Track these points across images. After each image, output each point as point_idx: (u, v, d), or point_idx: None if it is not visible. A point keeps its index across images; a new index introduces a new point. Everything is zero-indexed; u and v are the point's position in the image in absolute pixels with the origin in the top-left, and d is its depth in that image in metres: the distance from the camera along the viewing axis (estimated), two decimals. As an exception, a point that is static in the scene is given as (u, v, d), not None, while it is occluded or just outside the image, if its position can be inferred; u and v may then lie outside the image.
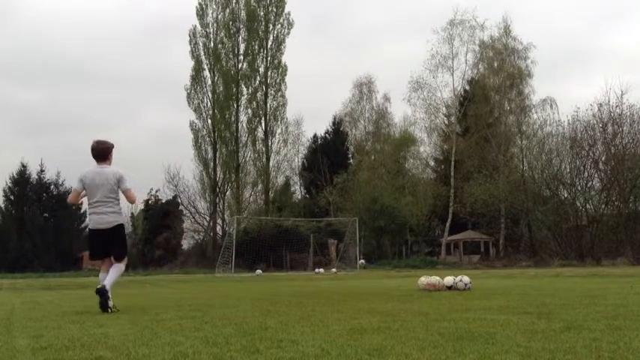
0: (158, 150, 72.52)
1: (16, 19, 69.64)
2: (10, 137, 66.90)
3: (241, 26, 42.93)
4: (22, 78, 70.54)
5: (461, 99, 40.93)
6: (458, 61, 39.79)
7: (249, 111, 42.67)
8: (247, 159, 42.58)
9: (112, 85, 71.52)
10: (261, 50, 42.94)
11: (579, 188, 31.74)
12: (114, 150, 6.38)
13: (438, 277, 8.75)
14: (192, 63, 42.79)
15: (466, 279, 8.44)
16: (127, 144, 75.98)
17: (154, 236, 39.44)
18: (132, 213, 50.32)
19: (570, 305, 5.82)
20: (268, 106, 42.68)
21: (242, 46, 42.97)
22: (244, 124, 42.54)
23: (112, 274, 6.11)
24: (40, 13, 70.83)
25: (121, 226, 6.30)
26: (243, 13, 42.92)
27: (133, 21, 71.42)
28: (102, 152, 6.22)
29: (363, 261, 29.56)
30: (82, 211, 46.83)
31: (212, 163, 42.34)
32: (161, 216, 40.20)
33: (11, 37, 66.64)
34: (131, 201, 6.41)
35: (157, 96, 72.81)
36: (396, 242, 38.72)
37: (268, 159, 42.59)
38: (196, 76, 42.72)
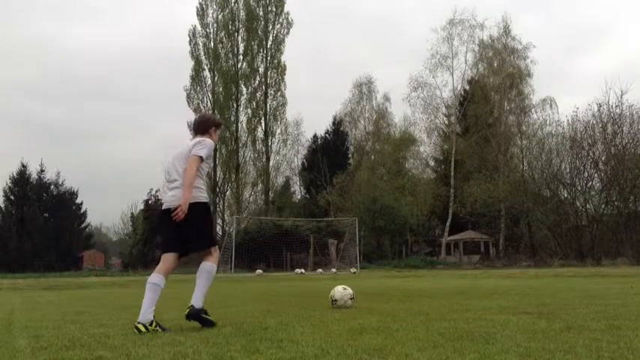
0: (159, 151, 73.12)
1: (49, 51, 75.11)
2: (32, 147, 70.45)
3: (240, 26, 42.92)
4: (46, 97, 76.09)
5: (461, 99, 40.90)
6: (457, 60, 39.82)
7: (249, 111, 42.69)
8: (247, 159, 42.61)
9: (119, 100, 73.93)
10: (261, 50, 42.95)
11: (579, 188, 31.71)
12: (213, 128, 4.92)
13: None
14: (191, 63, 42.81)
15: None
16: (127, 145, 76.63)
17: (154, 236, 39.42)
18: (132, 213, 50.41)
19: (570, 305, 5.82)
20: (268, 106, 42.68)
21: (241, 46, 43.02)
22: (244, 124, 42.58)
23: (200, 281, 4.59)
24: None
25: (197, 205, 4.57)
26: (242, 13, 42.91)
27: (150, 49, 73.51)
28: (196, 125, 4.99)
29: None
30: (81, 210, 46.94)
31: (212, 163, 42.33)
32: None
33: (43, 65, 72.85)
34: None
35: (162, 105, 74.45)
36: (396, 242, 38.69)
37: (268, 159, 42.59)
38: (196, 76, 42.68)
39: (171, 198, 4.58)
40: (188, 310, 4.44)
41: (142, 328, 4.23)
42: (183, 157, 4.64)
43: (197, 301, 4.46)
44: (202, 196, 4.61)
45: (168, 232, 4.60)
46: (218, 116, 41.13)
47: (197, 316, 4.43)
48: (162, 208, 4.67)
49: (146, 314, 4.31)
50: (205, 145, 4.61)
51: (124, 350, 3.43)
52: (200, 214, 4.53)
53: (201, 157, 4.55)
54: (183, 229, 4.47)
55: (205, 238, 4.62)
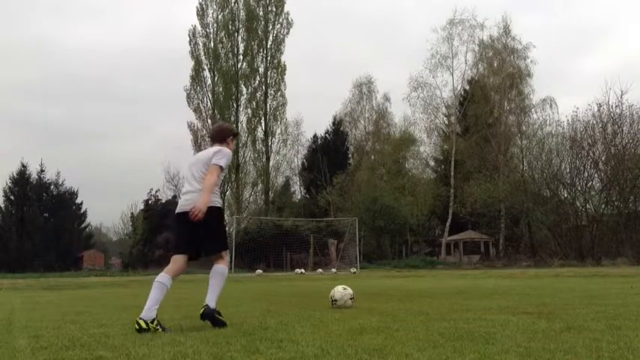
0: (159, 151, 73.20)
1: (49, 51, 75.11)
2: (32, 147, 70.56)
3: (240, 26, 42.90)
4: (48, 98, 75.80)
5: (461, 99, 40.90)
6: (457, 60, 39.81)
7: (249, 111, 42.65)
8: (247, 159, 42.54)
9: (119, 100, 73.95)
10: (261, 50, 42.93)
11: (579, 188, 31.71)
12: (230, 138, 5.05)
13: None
14: (191, 63, 42.77)
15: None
16: (127, 145, 76.66)
17: (154, 236, 39.42)
18: (132, 213, 50.38)
19: (570, 305, 5.82)
20: (268, 106, 42.66)
21: (241, 46, 43.00)
22: (244, 124, 42.52)
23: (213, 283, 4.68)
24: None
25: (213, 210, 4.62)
26: (242, 13, 42.89)
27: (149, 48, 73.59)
28: (214, 133, 5.11)
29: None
30: (81, 210, 46.93)
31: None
32: (161, 216, 40.18)
33: (43, 65, 72.61)
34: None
35: (162, 105, 74.58)
36: (396, 242, 38.70)
37: (268, 159, 42.57)
38: (196, 76, 42.64)
39: (185, 202, 4.63)
40: (203, 309, 4.51)
41: (143, 324, 4.26)
42: (202, 162, 4.76)
43: (211, 301, 4.54)
44: (217, 201, 4.73)
45: (182, 235, 4.67)
46: (217, 116, 41.28)
47: (211, 315, 4.49)
48: (177, 211, 4.71)
49: (149, 311, 4.34)
50: (225, 155, 4.76)
51: (124, 350, 3.43)
52: (215, 218, 4.62)
53: (221, 167, 4.69)
54: (198, 231, 4.54)
55: (218, 241, 4.72)
